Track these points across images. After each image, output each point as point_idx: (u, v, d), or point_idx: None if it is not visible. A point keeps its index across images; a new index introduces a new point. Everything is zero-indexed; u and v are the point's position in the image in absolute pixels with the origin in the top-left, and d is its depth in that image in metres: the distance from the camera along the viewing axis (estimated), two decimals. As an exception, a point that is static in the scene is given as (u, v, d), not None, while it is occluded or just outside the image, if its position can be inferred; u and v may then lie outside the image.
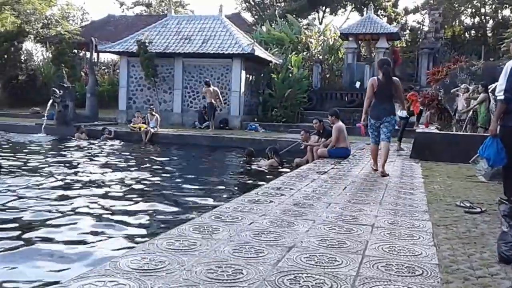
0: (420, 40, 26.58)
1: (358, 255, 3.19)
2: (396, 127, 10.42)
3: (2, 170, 7.96)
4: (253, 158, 11.59)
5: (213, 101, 17.35)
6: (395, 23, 28.88)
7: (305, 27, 27.95)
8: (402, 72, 24.85)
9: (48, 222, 5.56)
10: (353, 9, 37.54)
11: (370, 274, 2.84)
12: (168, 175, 9.91)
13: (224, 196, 7.58)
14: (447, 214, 4.67)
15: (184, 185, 8.49)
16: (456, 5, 33.61)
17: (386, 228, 3.96)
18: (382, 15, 33.64)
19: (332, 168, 8.00)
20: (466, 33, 33.63)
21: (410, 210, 4.75)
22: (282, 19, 27.52)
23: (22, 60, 26.24)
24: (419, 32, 32.65)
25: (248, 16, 38.15)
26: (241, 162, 11.68)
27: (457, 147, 9.28)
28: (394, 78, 7.42)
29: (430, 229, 4.02)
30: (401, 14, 36.26)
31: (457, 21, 34.52)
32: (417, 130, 11.10)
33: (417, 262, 3.10)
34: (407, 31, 34.05)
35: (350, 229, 3.89)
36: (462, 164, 8.59)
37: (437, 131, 11.43)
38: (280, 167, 10.54)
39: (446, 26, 30.17)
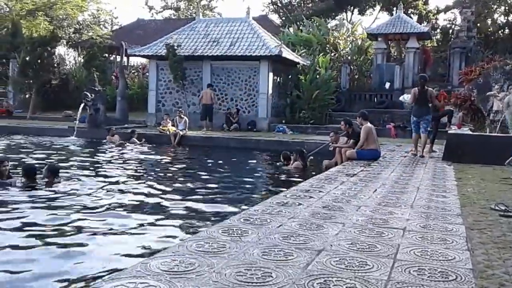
0: (452, 39, 26.05)
1: (389, 259, 3.13)
2: (428, 129, 10.64)
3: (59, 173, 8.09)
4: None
5: (208, 102, 18.45)
6: (425, 23, 28.39)
7: (333, 27, 27.72)
8: (433, 72, 24.40)
9: (77, 224, 5.66)
10: (382, 9, 37.11)
11: (402, 279, 2.78)
12: (196, 177, 9.97)
13: (252, 198, 7.58)
14: (481, 218, 4.55)
15: (212, 187, 8.53)
16: (489, 3, 32.79)
17: (418, 232, 3.88)
18: (413, 13, 33.09)
19: (361, 170, 7.90)
20: (500, 32, 32.77)
21: (443, 214, 4.64)
22: (309, 20, 27.41)
23: (55, 65, 26.85)
24: (450, 31, 32.02)
25: (275, 18, 38.17)
26: (273, 166, 11.63)
27: (491, 148, 9.05)
28: (429, 89, 10.03)
29: (463, 233, 3.92)
30: (432, 12, 35.60)
31: (490, 19, 33.68)
32: (449, 132, 10.87)
33: (450, 267, 3.03)
34: (438, 31, 33.42)
35: (381, 232, 3.82)
36: (496, 166, 8.39)
37: (470, 132, 11.16)
38: (304, 169, 10.45)
39: (478, 25, 29.45)
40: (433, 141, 11.40)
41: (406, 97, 12.90)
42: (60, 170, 8.11)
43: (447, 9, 35.58)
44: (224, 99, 19.86)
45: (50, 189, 7.30)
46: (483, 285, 2.77)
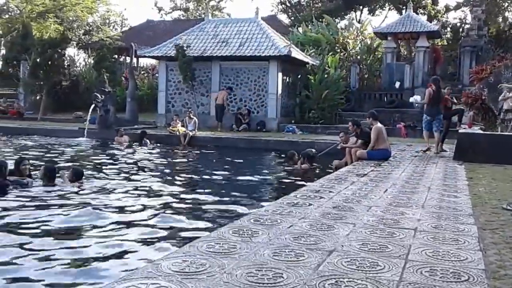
0: (462, 38, 25.83)
1: (401, 260, 3.12)
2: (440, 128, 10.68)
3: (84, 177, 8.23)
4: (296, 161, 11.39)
5: (220, 102, 18.87)
6: (435, 21, 28.18)
7: (343, 27, 27.63)
8: (443, 71, 24.22)
9: (90, 225, 5.69)
10: (392, 8, 36.92)
11: (414, 280, 2.77)
12: (206, 177, 9.99)
13: (263, 199, 7.58)
14: (493, 218, 4.52)
15: (223, 188, 8.54)
16: (500, 1, 32.50)
17: (429, 232, 3.86)
18: (421, 13, 32.89)
19: (372, 170, 7.87)
20: (511, 30, 32.44)
21: (454, 214, 4.61)
22: (319, 20, 27.33)
23: (65, 66, 27.03)
24: (461, 29, 31.77)
25: (284, 18, 38.13)
26: (283, 166, 11.62)
27: (502, 148, 8.98)
28: (443, 90, 10.80)
29: (475, 233, 3.89)
30: (442, 12, 35.35)
31: (501, 17, 33.36)
32: (460, 131, 10.80)
33: (462, 268, 3.01)
34: (448, 29, 33.19)
35: (392, 233, 3.81)
36: (508, 166, 8.32)
37: (481, 132, 11.08)
38: (310, 170, 10.42)
39: (489, 23, 29.17)
40: (443, 140, 11.34)
41: (419, 99, 13.63)
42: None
43: (457, 7, 35.32)
44: (233, 99, 19.87)
45: (72, 190, 7.42)
46: (495, 286, 2.75)
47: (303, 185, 7.03)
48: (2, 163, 7.23)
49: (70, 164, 10.37)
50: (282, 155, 12.97)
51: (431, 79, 12.00)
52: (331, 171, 9.27)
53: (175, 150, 14.94)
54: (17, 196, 6.82)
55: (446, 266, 3.02)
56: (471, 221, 4.31)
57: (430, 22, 25.95)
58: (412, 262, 3.09)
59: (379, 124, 9.55)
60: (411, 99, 14.60)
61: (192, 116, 16.91)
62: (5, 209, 6.17)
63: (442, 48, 26.90)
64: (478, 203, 5.23)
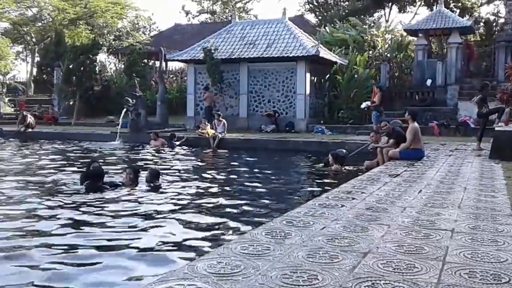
0: (496, 32, 25.13)
1: (438, 262, 3.05)
2: (472, 126, 10.45)
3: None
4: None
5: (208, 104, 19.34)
6: (467, 16, 27.52)
7: (371, 24, 27.27)
8: (477, 68, 23.63)
9: (122, 227, 5.78)
10: (422, 5, 36.23)
11: (452, 282, 2.71)
12: (236, 179, 10.02)
13: (294, 200, 7.55)
14: (534, 218, 4.38)
15: (253, 190, 8.54)
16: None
17: (467, 233, 3.77)
18: (455, 7, 32.12)
19: (405, 171, 7.74)
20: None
21: (493, 214, 4.49)
22: (343, 22, 27.03)
23: (97, 72, 27.60)
24: (494, 24, 30.96)
25: (311, 18, 37.94)
26: (313, 167, 11.56)
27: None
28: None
29: (515, 234, 3.78)
30: (475, 6, 34.50)
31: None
32: (496, 128, 10.51)
33: (503, 269, 2.92)
34: (481, 24, 32.38)
35: (428, 234, 3.73)
36: (547, 164, 8.05)
37: (519, 129, 10.75)
38: (340, 171, 10.31)
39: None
40: (481, 139, 11.07)
41: (369, 103, 16.65)
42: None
43: (490, 1, 34.45)
44: (261, 101, 19.90)
45: (154, 190, 7.94)
46: (539, 289, 2.66)
47: (334, 186, 6.97)
48: (101, 170, 7.90)
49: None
50: (311, 156, 12.92)
51: (378, 84, 16.63)
52: (363, 171, 9.17)
53: (205, 153, 15.04)
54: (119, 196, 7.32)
55: (486, 268, 2.94)
56: (511, 222, 4.19)
57: (462, 17, 25.34)
58: (450, 264, 3.02)
59: (415, 124, 9.37)
60: (363, 105, 17.32)
61: (220, 119, 17.01)
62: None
63: (475, 44, 26.24)
64: (517, 203, 5.08)
